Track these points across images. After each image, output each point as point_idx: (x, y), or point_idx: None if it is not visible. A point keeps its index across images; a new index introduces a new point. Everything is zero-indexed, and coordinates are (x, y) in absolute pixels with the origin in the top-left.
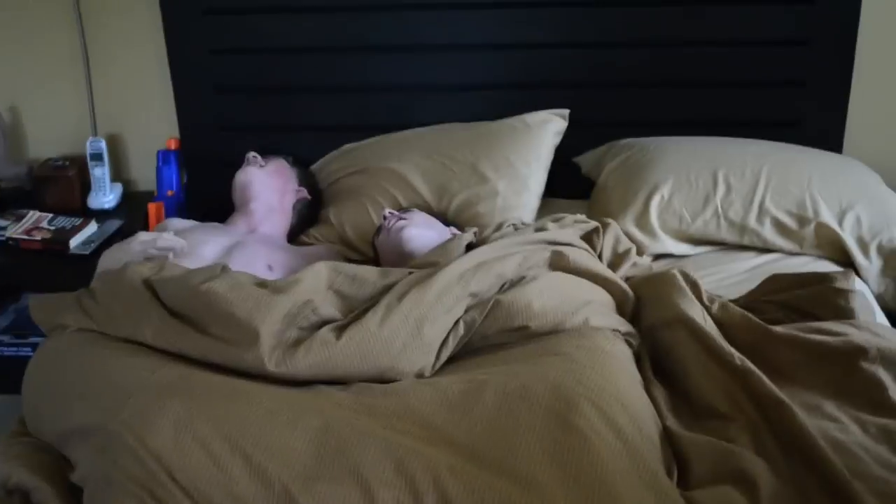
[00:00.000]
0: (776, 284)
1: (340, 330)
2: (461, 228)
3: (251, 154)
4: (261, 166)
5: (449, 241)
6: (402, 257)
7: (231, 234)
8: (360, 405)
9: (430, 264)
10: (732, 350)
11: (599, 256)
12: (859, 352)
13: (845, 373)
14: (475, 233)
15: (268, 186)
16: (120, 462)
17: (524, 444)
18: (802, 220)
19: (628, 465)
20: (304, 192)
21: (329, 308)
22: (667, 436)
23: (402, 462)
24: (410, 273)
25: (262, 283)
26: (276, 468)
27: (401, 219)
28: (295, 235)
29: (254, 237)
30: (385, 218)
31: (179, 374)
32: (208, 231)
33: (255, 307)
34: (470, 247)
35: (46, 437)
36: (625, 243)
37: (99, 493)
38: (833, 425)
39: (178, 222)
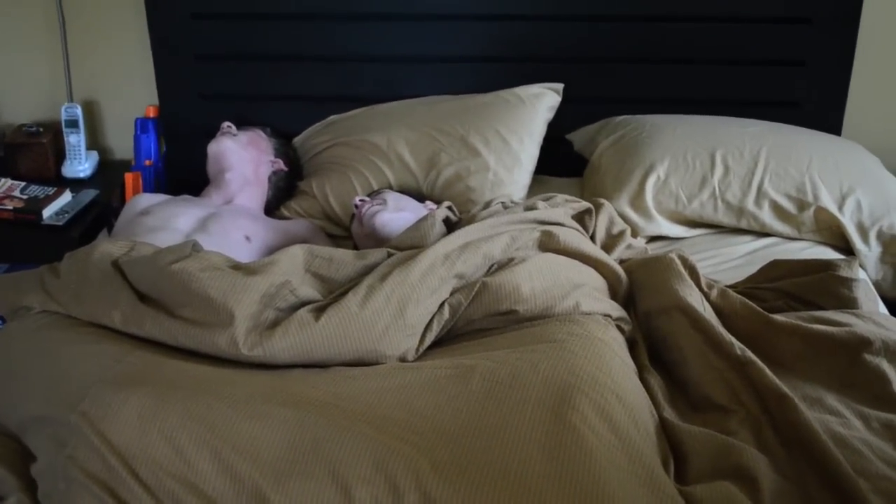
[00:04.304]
0: (776, 271)
1: (319, 311)
2: (439, 202)
3: (225, 124)
4: (233, 136)
5: (422, 220)
6: (380, 243)
7: (205, 206)
8: (339, 390)
9: (407, 246)
10: (732, 339)
11: (592, 238)
12: (863, 343)
13: (848, 365)
14: (450, 207)
15: (241, 157)
16: (78, 457)
17: (514, 437)
18: (802, 205)
19: (624, 462)
20: (281, 164)
21: (308, 289)
22: (663, 427)
23: (382, 458)
24: (389, 254)
25: (236, 265)
26: (246, 464)
27: (373, 204)
28: (272, 209)
29: (229, 208)
30: (356, 206)
31: (146, 363)
32: (181, 203)
33: (230, 288)
34: (448, 223)
35: (7, 424)
36: (619, 224)
37: (55, 492)
38: (835, 419)
39: (149, 198)
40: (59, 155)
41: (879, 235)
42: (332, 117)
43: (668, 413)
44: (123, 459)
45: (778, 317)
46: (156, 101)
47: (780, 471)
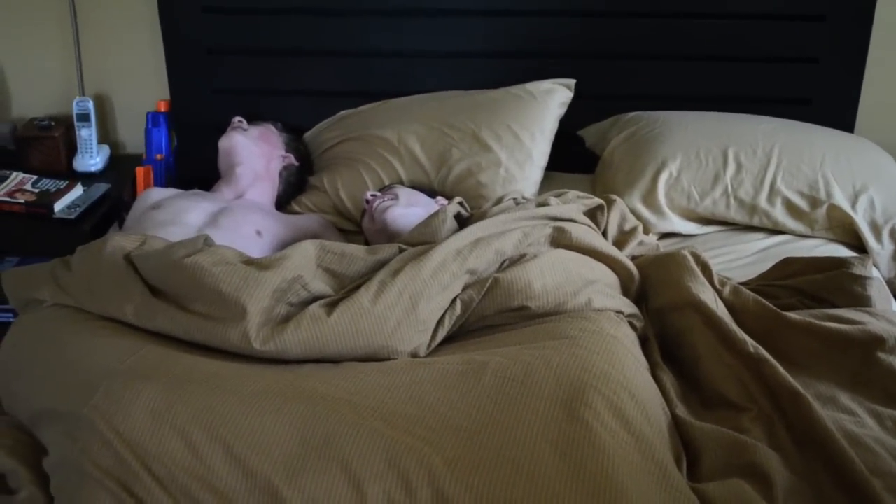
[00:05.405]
0: (789, 268)
1: (332, 306)
2: (451, 198)
3: (236, 119)
4: (244, 131)
5: (432, 216)
6: (391, 238)
7: (216, 201)
8: (350, 385)
9: (418, 242)
10: (745, 336)
11: (604, 234)
12: (877, 341)
13: (862, 363)
14: (461, 202)
15: (252, 152)
16: (90, 451)
17: (527, 433)
18: (814, 202)
19: (637, 458)
20: (291, 159)
21: (320, 284)
22: (676, 424)
23: (394, 454)
24: (401, 250)
25: (248, 260)
26: (258, 459)
27: (384, 200)
28: (283, 203)
29: (240, 203)
30: (368, 201)
31: (158, 357)
32: (192, 198)
33: (242, 283)
34: (460, 218)
35: (19, 417)
36: (631, 221)
37: (68, 485)
38: (848, 418)
39: (160, 192)
40: (71, 149)
41: (892, 233)
42: (342, 112)
43: (681, 410)
44: (135, 453)
45: (791, 314)
46: (167, 95)
47: (793, 469)
